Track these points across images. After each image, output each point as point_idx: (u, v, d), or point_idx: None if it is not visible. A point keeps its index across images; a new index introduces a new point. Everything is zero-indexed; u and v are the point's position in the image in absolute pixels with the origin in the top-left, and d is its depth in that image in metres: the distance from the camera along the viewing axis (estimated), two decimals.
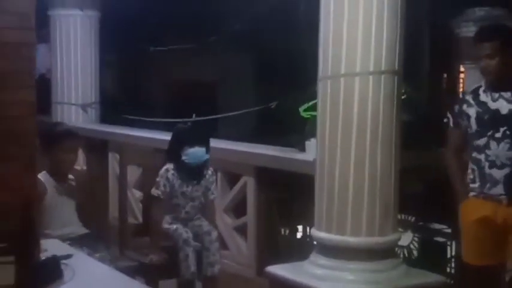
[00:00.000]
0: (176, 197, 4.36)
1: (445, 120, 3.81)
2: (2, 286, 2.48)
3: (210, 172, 4.47)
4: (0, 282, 2.50)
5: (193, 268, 4.04)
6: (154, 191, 4.32)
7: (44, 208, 3.83)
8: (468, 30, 8.05)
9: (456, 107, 3.74)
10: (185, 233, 4.17)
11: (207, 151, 4.36)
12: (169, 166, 4.36)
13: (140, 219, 5.33)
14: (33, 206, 2.68)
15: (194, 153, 4.26)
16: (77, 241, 3.78)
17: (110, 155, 6.71)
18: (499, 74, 3.56)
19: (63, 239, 3.58)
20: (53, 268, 2.63)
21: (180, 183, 4.33)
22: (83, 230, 4.07)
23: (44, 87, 7.16)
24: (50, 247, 2.90)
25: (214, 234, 4.28)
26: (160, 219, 4.30)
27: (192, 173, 4.35)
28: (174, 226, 4.22)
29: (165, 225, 4.28)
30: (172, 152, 4.37)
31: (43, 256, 2.66)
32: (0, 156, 3.45)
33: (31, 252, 2.53)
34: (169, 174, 4.32)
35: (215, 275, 4.22)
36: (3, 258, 2.67)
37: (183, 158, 4.28)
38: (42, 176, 3.95)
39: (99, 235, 4.13)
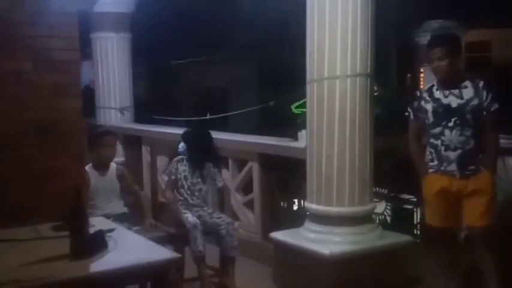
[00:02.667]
0: (180, 180, 4.23)
1: (406, 113, 3.80)
2: (59, 255, 2.49)
3: (210, 164, 4.28)
4: (58, 252, 2.51)
5: (200, 247, 3.92)
6: (164, 176, 4.27)
7: (90, 194, 3.83)
8: (426, 39, 7.98)
9: (415, 103, 3.72)
10: (192, 219, 4.01)
11: (206, 147, 4.25)
12: (180, 157, 4.30)
13: None
14: (83, 191, 2.68)
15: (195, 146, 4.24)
16: (118, 218, 3.77)
17: (143, 147, 6.70)
18: (448, 73, 3.55)
19: (107, 216, 3.57)
20: (100, 240, 2.62)
21: (183, 169, 4.23)
22: (122, 209, 4.04)
23: (89, 95, 7.15)
24: (97, 223, 2.90)
25: (232, 226, 4.10)
26: (172, 198, 4.21)
27: (194, 161, 4.24)
28: (186, 215, 4.06)
29: (180, 212, 4.12)
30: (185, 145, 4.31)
31: (91, 230, 2.65)
32: (55, 152, 3.48)
33: (82, 227, 2.52)
34: (178, 163, 4.24)
35: (233, 256, 4.09)
36: (60, 233, 2.70)
37: (188, 149, 4.25)
38: (88, 168, 3.95)
39: (136, 212, 4.11)
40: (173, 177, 4.25)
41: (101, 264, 2.50)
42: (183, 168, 4.25)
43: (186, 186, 4.24)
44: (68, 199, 2.61)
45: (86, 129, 3.89)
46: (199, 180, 4.26)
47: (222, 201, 5.37)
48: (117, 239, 2.74)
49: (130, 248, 2.77)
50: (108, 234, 2.74)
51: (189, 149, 4.27)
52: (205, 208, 4.22)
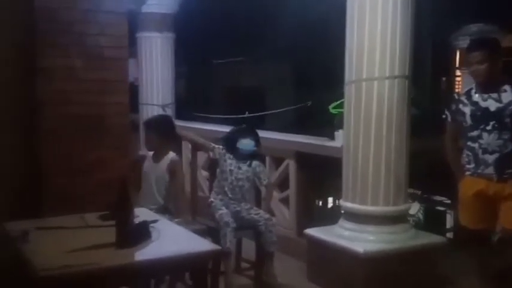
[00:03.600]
0: (225, 172, 4.18)
1: (444, 116, 3.73)
2: (105, 243, 2.52)
3: (258, 163, 4.23)
4: (104, 240, 2.55)
5: (228, 244, 3.87)
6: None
7: (141, 176, 3.87)
8: (464, 43, 7.82)
9: (453, 106, 3.66)
10: (226, 216, 3.96)
11: (256, 145, 4.20)
12: (220, 146, 4.25)
13: (207, 193, 5.35)
14: (128, 182, 2.72)
15: (246, 143, 4.19)
16: (159, 210, 3.80)
17: (183, 144, 6.76)
18: (487, 77, 3.47)
19: (150, 208, 3.59)
20: (144, 230, 2.64)
21: (230, 162, 4.18)
22: (161, 201, 4.01)
23: (133, 92, 7.24)
24: (141, 214, 2.92)
25: (271, 222, 4.06)
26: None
27: (242, 158, 4.18)
28: (220, 211, 4.01)
29: (215, 208, 4.09)
30: (230, 141, 4.26)
31: (136, 221, 2.67)
32: (101, 145, 3.55)
33: (127, 218, 2.55)
34: (227, 155, 4.20)
35: (271, 251, 4.07)
36: (106, 222, 2.74)
37: (238, 145, 4.17)
38: (144, 151, 4.01)
39: (177, 205, 4.12)
40: (218, 167, 4.20)
41: (145, 253, 2.52)
42: (230, 161, 4.19)
43: (229, 180, 4.18)
44: (114, 190, 2.64)
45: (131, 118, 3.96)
46: (244, 177, 4.18)
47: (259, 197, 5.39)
48: (160, 229, 2.76)
49: (172, 238, 2.79)
50: (152, 224, 2.76)
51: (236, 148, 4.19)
52: (243, 204, 4.19)
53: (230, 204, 4.16)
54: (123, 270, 2.42)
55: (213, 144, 4.36)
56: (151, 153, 4.03)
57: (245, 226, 4.08)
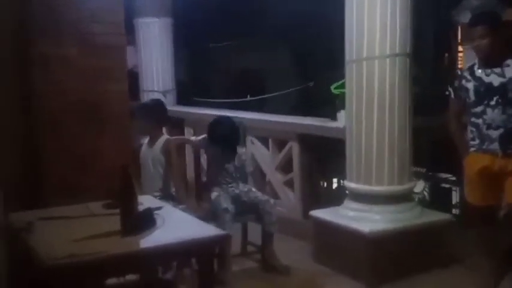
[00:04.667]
0: (217, 162, 4.20)
1: (447, 92, 3.71)
2: (110, 232, 2.53)
3: (243, 150, 4.28)
4: (109, 228, 2.55)
5: (228, 230, 3.76)
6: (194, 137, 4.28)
7: (140, 164, 3.86)
8: (465, 18, 7.72)
9: (456, 82, 3.63)
10: (225, 202, 3.95)
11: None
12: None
13: None
14: (130, 170, 2.71)
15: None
16: (164, 196, 3.80)
17: (186, 129, 6.75)
18: (489, 51, 3.44)
19: (154, 196, 3.61)
20: (148, 217, 2.65)
21: (219, 155, 4.18)
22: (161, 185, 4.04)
23: (133, 79, 7.22)
24: (145, 201, 2.92)
25: (269, 204, 4.07)
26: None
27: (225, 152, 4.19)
28: (219, 198, 3.99)
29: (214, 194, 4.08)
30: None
31: (140, 208, 2.67)
32: (102, 133, 3.54)
33: (131, 205, 2.55)
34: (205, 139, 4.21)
35: (272, 232, 4.10)
36: (111, 211, 2.75)
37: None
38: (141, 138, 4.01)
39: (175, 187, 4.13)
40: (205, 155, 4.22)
41: (150, 240, 2.53)
42: (215, 150, 4.17)
43: (219, 169, 4.19)
44: (116, 178, 2.64)
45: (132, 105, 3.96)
46: (230, 164, 4.19)
47: (263, 180, 5.40)
48: (165, 216, 2.76)
49: (177, 225, 2.80)
50: (156, 211, 2.77)
51: (215, 141, 4.17)
52: (241, 186, 4.19)
53: (228, 188, 4.16)
54: (129, 257, 2.44)
55: (200, 138, 4.34)
56: (146, 139, 4.06)
57: (246, 210, 4.09)
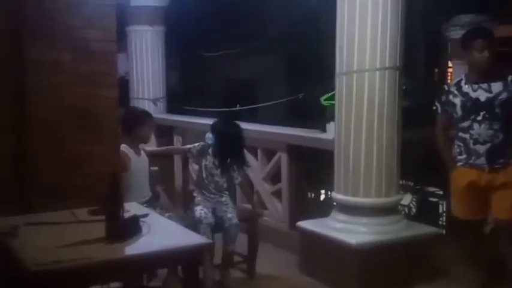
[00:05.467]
0: (202, 169, 4.15)
1: (434, 107, 3.74)
2: (96, 238, 2.52)
3: (234, 160, 4.19)
4: (94, 235, 2.54)
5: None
6: (188, 146, 4.22)
7: (130, 174, 3.79)
8: (456, 33, 7.81)
9: (443, 97, 3.67)
10: (201, 212, 3.91)
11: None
12: (202, 144, 4.20)
13: None
14: (118, 177, 2.71)
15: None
16: (150, 204, 3.78)
17: (175, 137, 6.75)
18: (490, 65, 3.47)
19: (140, 202, 3.58)
20: (134, 224, 2.64)
21: (208, 158, 4.13)
22: (149, 194, 4.02)
23: (123, 86, 7.22)
24: (131, 208, 2.92)
25: (235, 220, 4.01)
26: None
27: (219, 156, 4.13)
28: (196, 207, 3.97)
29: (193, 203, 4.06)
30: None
31: (126, 215, 2.67)
32: (91, 138, 3.53)
33: (117, 212, 2.55)
34: (197, 149, 4.18)
35: (230, 251, 4.05)
36: (97, 217, 2.73)
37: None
38: (124, 148, 3.86)
39: (168, 199, 4.12)
40: (196, 161, 4.15)
41: (135, 247, 2.53)
42: (209, 157, 4.15)
43: (204, 176, 4.14)
44: (103, 184, 2.64)
45: (121, 112, 3.90)
46: (218, 172, 4.14)
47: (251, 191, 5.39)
48: (151, 224, 2.76)
49: (163, 232, 2.79)
50: (142, 219, 2.76)
51: (216, 140, 4.14)
52: (223, 199, 4.13)
53: (210, 199, 4.12)
54: (113, 264, 2.43)
55: (189, 146, 4.31)
56: (124, 149, 3.98)
57: (219, 224, 4.02)
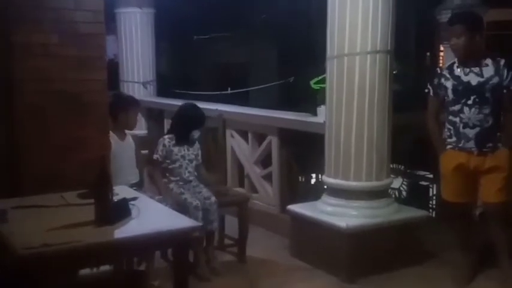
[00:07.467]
0: (178, 160, 4.11)
1: (426, 90, 3.75)
2: (85, 222, 2.52)
3: (196, 142, 4.22)
4: (83, 218, 2.55)
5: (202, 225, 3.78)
6: (154, 156, 4.10)
7: (112, 158, 3.71)
8: (447, 17, 7.81)
9: (435, 80, 3.67)
10: (194, 201, 3.89)
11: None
12: (167, 136, 4.16)
13: None
14: (107, 160, 2.71)
15: (197, 131, 4.15)
16: (139, 187, 3.77)
17: (165, 121, 6.74)
18: (465, 51, 3.49)
19: (127, 184, 3.57)
20: (123, 208, 2.65)
21: (179, 148, 4.10)
22: (137, 178, 4.03)
23: (113, 69, 7.18)
24: (120, 191, 2.91)
25: (213, 198, 4.00)
26: (159, 178, 4.06)
27: (192, 142, 4.16)
28: (184, 196, 3.93)
29: (176, 192, 4.01)
30: (182, 130, 4.15)
31: (115, 198, 2.67)
32: (80, 122, 3.51)
33: (106, 195, 2.54)
34: (166, 142, 4.10)
35: (213, 230, 4.06)
36: (86, 201, 2.73)
37: (192, 134, 4.14)
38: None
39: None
40: (164, 153, 4.08)
41: (124, 230, 2.53)
42: (178, 148, 4.10)
43: (184, 165, 4.11)
44: (93, 168, 2.63)
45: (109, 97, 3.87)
46: (193, 157, 4.14)
47: (241, 174, 5.41)
48: (140, 207, 2.76)
49: (152, 215, 2.80)
50: (132, 202, 2.77)
51: (180, 123, 4.16)
52: (202, 184, 4.13)
53: (191, 187, 4.10)
54: (103, 247, 2.43)
55: (155, 156, 4.15)
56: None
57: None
